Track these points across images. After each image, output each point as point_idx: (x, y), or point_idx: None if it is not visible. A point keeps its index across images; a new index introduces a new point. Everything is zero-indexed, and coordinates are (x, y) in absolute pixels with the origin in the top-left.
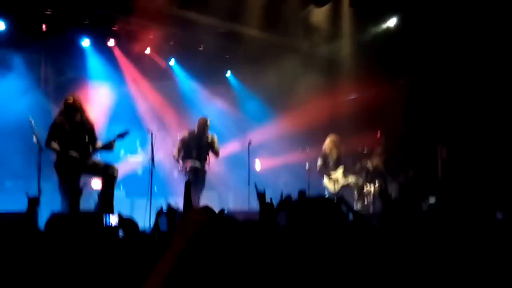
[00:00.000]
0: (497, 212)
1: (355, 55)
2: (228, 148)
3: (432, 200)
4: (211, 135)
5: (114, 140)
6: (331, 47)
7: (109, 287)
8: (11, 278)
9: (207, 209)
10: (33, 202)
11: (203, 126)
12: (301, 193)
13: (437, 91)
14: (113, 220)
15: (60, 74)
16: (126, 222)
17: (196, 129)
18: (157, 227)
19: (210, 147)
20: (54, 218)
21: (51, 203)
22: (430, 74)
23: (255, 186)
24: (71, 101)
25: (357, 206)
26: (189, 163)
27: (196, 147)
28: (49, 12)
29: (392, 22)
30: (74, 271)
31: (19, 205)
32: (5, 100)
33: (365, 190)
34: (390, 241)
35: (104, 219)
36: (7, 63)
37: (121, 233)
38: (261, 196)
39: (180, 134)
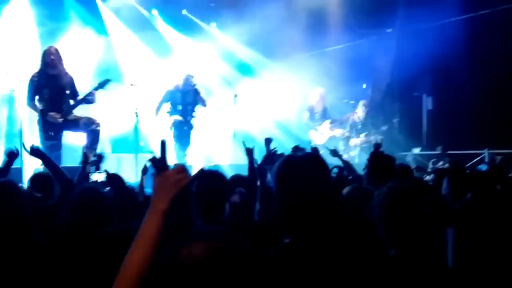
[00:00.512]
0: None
1: (342, 3)
2: (214, 102)
3: (416, 150)
4: (196, 87)
5: (95, 90)
6: None
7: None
8: None
9: (184, 168)
10: (11, 156)
11: (189, 79)
12: (268, 140)
13: (425, 41)
14: (100, 177)
15: (41, 25)
16: (113, 178)
17: (181, 83)
18: (141, 186)
19: (197, 98)
20: (36, 175)
21: None
22: (419, 23)
23: (243, 143)
24: (49, 53)
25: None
26: (174, 117)
27: (181, 101)
28: None
29: None
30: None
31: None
32: None
33: (350, 142)
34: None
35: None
36: None
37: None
38: (249, 152)
39: (165, 87)
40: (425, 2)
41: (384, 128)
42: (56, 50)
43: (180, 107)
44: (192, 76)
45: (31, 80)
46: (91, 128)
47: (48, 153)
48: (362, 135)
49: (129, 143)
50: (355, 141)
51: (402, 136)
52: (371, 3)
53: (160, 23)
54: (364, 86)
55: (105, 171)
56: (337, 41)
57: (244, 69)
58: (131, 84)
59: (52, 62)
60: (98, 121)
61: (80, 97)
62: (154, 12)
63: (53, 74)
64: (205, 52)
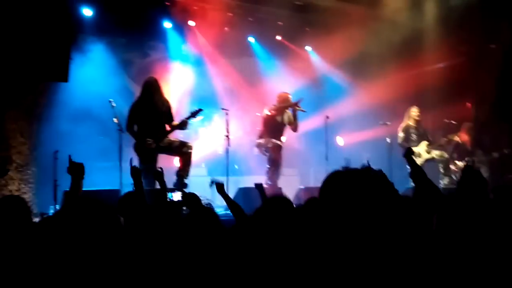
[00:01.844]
0: None
1: (440, 20)
2: (307, 124)
3: None
4: (295, 107)
5: (187, 119)
6: (413, 13)
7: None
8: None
9: None
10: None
11: (286, 101)
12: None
13: None
14: (176, 196)
15: (143, 57)
16: (189, 197)
17: (277, 105)
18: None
19: (289, 122)
20: (126, 195)
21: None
22: None
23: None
24: (149, 83)
25: (443, 182)
26: (272, 141)
27: (278, 124)
28: None
29: None
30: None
31: (106, 184)
32: (91, 85)
33: (452, 166)
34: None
35: (167, 195)
36: (93, 48)
37: (184, 210)
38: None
39: (259, 113)
40: None
41: (495, 155)
42: (156, 80)
43: (277, 131)
44: (288, 95)
45: (131, 108)
46: (183, 151)
47: (144, 175)
48: (466, 159)
49: (222, 166)
50: (456, 165)
51: None
52: (470, 19)
53: (256, 49)
54: (469, 105)
55: (182, 191)
56: (436, 59)
57: (337, 91)
58: (222, 109)
59: (151, 92)
60: (190, 144)
61: (173, 124)
62: (251, 39)
63: (151, 103)
64: (299, 76)
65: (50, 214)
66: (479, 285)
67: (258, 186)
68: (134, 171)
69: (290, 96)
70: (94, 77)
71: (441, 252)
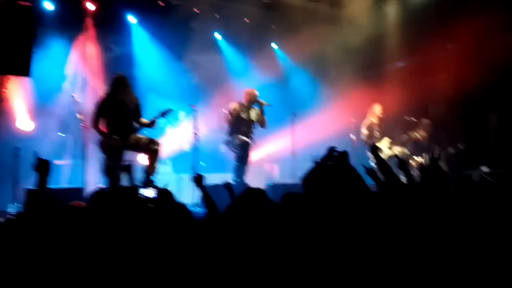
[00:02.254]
0: None
1: (399, 21)
2: (273, 121)
3: (484, 169)
4: (261, 103)
5: (156, 118)
6: (374, 14)
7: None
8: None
9: None
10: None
11: (252, 96)
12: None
13: (488, 56)
14: (149, 193)
15: (107, 51)
16: (162, 193)
17: (245, 102)
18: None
19: (257, 119)
20: (98, 193)
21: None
22: (481, 38)
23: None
24: (117, 80)
25: (404, 177)
26: (239, 137)
27: (245, 120)
28: None
29: None
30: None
31: (68, 182)
32: (52, 80)
33: (413, 162)
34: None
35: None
36: (55, 43)
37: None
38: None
39: (226, 109)
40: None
41: (451, 150)
42: (124, 77)
43: (244, 128)
44: (255, 91)
45: (99, 104)
46: (151, 148)
47: (108, 173)
48: (425, 155)
49: (189, 164)
50: (416, 161)
51: (468, 154)
52: (428, 19)
53: (222, 46)
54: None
55: (156, 186)
56: (396, 59)
57: (303, 88)
58: (190, 105)
59: (119, 89)
60: (157, 140)
61: (142, 122)
62: (217, 35)
63: (119, 100)
64: (265, 73)
65: (11, 213)
66: (447, 271)
67: (227, 185)
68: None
69: (257, 93)
70: (56, 72)
71: (411, 241)
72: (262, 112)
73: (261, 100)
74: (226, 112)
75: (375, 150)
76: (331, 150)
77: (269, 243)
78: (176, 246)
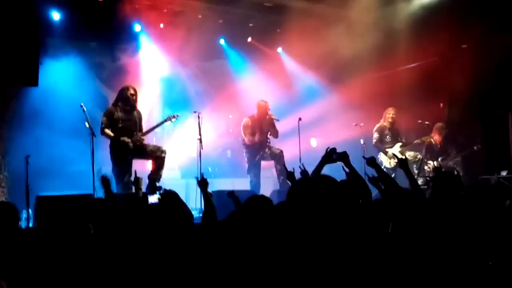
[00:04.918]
0: None
1: (412, 20)
2: (280, 126)
3: (503, 173)
4: (270, 116)
5: (162, 123)
6: (385, 13)
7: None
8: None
9: None
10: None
11: (264, 109)
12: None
13: (504, 56)
14: (154, 198)
15: (113, 60)
16: (168, 195)
17: (256, 113)
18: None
19: (270, 129)
20: (93, 203)
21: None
22: (496, 37)
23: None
24: (128, 91)
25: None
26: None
27: (259, 131)
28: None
29: None
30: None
31: (80, 188)
32: (62, 89)
33: (426, 167)
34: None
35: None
36: (63, 52)
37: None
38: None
39: (232, 114)
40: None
41: (466, 152)
42: (135, 90)
43: (258, 138)
44: (267, 103)
45: (108, 111)
46: (156, 155)
47: (117, 178)
48: (439, 159)
49: (196, 169)
50: (430, 166)
51: (486, 158)
52: (442, 18)
53: (228, 52)
54: (441, 105)
55: (160, 190)
56: (409, 60)
57: (309, 92)
58: (194, 112)
59: (130, 99)
60: (164, 148)
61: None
62: (221, 41)
63: (127, 109)
64: (271, 78)
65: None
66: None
67: (231, 194)
68: (104, 180)
69: (268, 106)
70: (64, 81)
71: (419, 249)
72: (273, 124)
73: (272, 115)
74: (241, 128)
75: (370, 162)
76: (331, 151)
77: (260, 250)
78: (172, 249)
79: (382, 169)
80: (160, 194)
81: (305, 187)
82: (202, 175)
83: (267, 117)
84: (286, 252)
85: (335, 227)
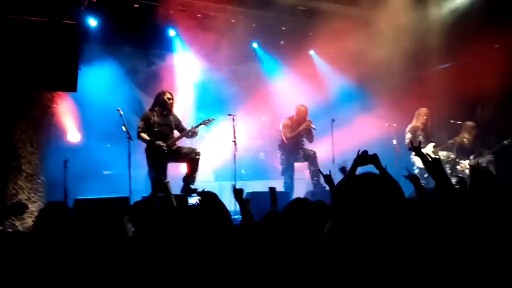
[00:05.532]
0: None
1: (444, 21)
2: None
3: None
4: (308, 123)
5: (196, 127)
6: (417, 14)
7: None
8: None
9: None
10: (156, 186)
11: (303, 114)
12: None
13: None
14: (193, 200)
15: (148, 65)
16: (207, 196)
17: (295, 116)
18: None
19: (307, 135)
20: (135, 204)
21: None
22: None
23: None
24: (166, 96)
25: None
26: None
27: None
28: (137, 6)
29: None
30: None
31: (116, 191)
32: (98, 94)
33: (459, 166)
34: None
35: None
36: (99, 58)
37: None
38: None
39: (265, 117)
40: None
41: (496, 148)
42: (171, 94)
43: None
44: (306, 109)
45: (145, 116)
46: (191, 157)
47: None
48: (471, 157)
49: (230, 172)
50: (462, 165)
51: None
52: (474, 19)
53: (260, 55)
54: (479, 107)
55: (198, 191)
56: (441, 60)
57: (342, 94)
58: (229, 115)
59: (167, 104)
60: (198, 150)
61: (182, 133)
62: (254, 45)
63: (164, 114)
64: (303, 80)
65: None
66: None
67: (272, 190)
68: (154, 184)
69: (307, 111)
70: (100, 86)
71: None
72: (310, 131)
73: (311, 123)
74: (280, 126)
75: (418, 149)
76: (362, 154)
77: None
78: (214, 249)
79: (428, 159)
80: (199, 195)
81: (356, 184)
82: (234, 186)
83: (306, 122)
84: (336, 252)
85: (393, 225)
